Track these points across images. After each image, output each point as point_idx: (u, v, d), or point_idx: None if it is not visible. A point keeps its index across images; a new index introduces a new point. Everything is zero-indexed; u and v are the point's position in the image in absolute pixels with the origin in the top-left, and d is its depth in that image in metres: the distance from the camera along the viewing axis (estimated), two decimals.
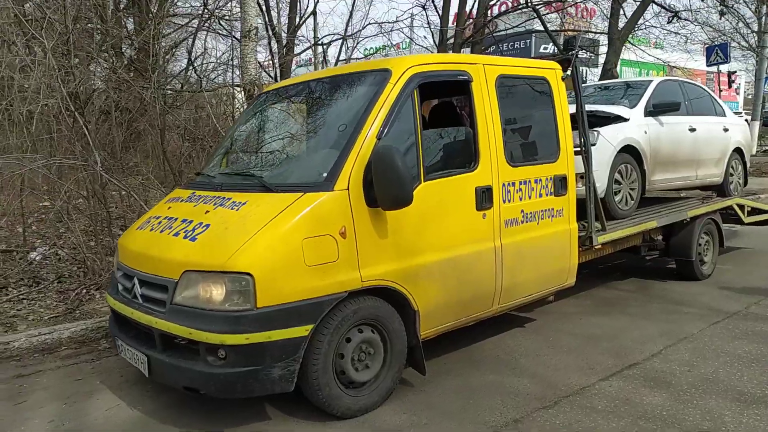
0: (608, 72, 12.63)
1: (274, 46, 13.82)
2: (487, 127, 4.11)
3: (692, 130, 6.74)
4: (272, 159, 4.10)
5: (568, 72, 4.81)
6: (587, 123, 4.90)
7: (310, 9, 17.89)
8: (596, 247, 5.11)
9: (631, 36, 13.98)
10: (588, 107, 6.07)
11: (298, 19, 16.62)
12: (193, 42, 10.11)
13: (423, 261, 3.74)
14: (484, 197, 4.07)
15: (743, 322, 5.15)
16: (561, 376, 4.11)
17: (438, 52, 16.10)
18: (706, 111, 7.27)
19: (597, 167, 5.49)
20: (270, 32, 14.74)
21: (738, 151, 7.59)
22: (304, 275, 3.20)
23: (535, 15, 12.96)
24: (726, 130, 7.41)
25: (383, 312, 3.58)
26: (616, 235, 5.29)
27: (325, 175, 3.41)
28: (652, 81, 6.70)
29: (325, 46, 18.30)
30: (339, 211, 3.35)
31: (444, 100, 4.92)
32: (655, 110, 6.26)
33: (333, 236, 3.31)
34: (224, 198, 3.67)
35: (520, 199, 4.38)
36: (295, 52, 18.31)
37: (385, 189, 3.33)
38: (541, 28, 13.09)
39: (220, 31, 11.57)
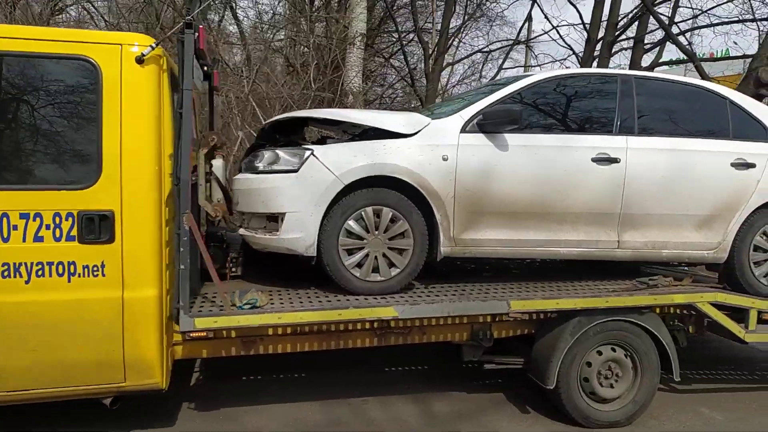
0: None
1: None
2: None
3: (609, 160, 3.85)
4: None
5: (146, 51, 3.01)
6: (191, 133, 3.00)
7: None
8: (192, 335, 3.08)
9: None
10: (351, 116, 3.94)
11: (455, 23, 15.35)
12: None
13: None
14: None
15: None
16: None
17: (583, 55, 13.19)
18: (697, 130, 4.14)
19: (298, 208, 3.45)
20: (416, 37, 13.94)
21: None
22: None
23: None
24: (746, 165, 4.11)
25: None
26: (253, 320, 3.09)
27: None
28: (525, 78, 3.98)
29: (485, 55, 16.64)
30: None
31: None
32: (486, 123, 3.70)
33: None
34: None
35: None
36: (448, 60, 17.02)
37: None
38: None
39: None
